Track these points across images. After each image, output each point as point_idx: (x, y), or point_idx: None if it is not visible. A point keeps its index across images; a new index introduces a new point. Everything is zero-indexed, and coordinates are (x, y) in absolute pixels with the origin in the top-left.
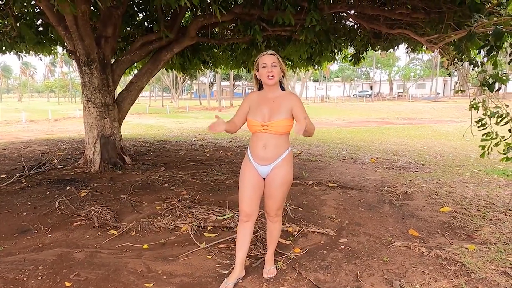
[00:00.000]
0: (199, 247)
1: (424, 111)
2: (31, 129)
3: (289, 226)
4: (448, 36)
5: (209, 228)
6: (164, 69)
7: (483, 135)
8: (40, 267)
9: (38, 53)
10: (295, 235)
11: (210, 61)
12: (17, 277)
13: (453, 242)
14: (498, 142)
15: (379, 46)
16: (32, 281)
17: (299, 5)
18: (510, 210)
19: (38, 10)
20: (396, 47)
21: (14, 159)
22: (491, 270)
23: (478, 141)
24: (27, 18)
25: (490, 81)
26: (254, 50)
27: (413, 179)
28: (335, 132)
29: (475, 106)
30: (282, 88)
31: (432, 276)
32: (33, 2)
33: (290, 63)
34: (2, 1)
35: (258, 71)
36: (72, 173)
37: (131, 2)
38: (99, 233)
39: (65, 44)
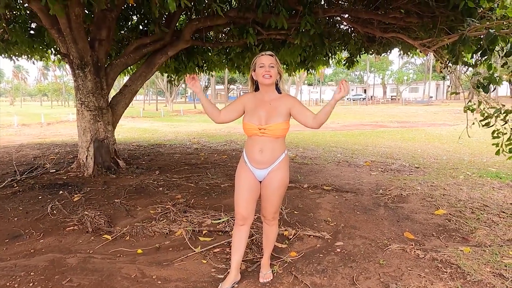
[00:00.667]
0: (194, 251)
1: (418, 114)
2: (23, 133)
3: (285, 230)
4: (441, 40)
5: (204, 232)
6: (159, 72)
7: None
8: (31, 273)
9: (31, 56)
10: (291, 238)
11: (205, 65)
12: (7, 284)
13: (448, 245)
14: (510, 137)
15: (373, 50)
16: None
17: (293, 9)
18: (504, 212)
19: (29, 12)
20: (389, 51)
21: (6, 164)
22: (486, 273)
23: (472, 144)
24: (20, 21)
25: (485, 83)
26: (249, 53)
27: (407, 182)
28: (330, 135)
29: (470, 108)
30: (279, 91)
31: (428, 279)
32: (26, 5)
33: (285, 66)
34: None
35: (254, 71)
36: (65, 177)
37: (125, 6)
38: (92, 238)
39: (58, 47)
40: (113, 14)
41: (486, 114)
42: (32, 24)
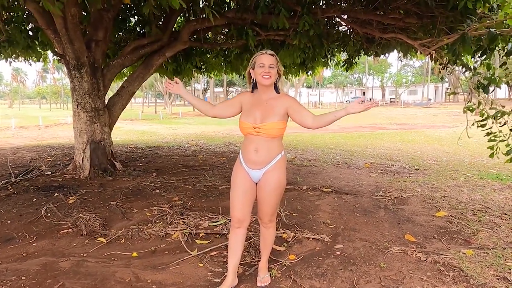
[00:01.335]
0: (191, 254)
1: (417, 116)
2: (20, 136)
3: (284, 232)
4: (441, 40)
5: (201, 235)
6: (158, 74)
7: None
8: (23, 278)
9: (28, 58)
10: (289, 241)
11: (203, 67)
12: None
13: (450, 247)
14: (504, 140)
15: (372, 51)
16: None
17: (292, 9)
18: (506, 214)
19: (27, 13)
20: (388, 53)
21: (1, 166)
22: (490, 276)
23: (472, 145)
24: (16, 22)
25: (485, 83)
26: (247, 55)
27: (407, 184)
28: (329, 137)
29: (470, 108)
30: (277, 91)
31: (431, 282)
32: (22, 6)
33: (283, 68)
34: None
35: (253, 69)
36: (61, 180)
37: (123, 6)
38: (87, 241)
39: (55, 47)
40: (109, 14)
41: (485, 115)
42: (29, 25)
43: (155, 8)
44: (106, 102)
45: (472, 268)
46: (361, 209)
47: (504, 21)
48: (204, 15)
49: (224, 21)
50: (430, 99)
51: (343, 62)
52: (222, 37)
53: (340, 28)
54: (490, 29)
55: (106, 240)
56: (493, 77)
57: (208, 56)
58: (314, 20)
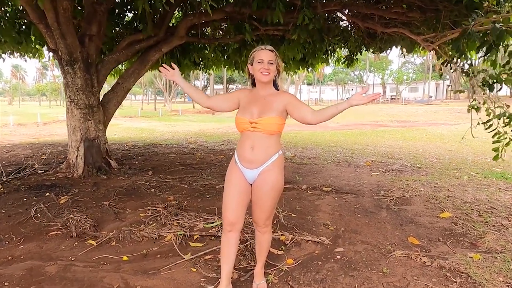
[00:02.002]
0: (184, 258)
1: (418, 114)
2: (18, 133)
3: (281, 234)
4: (444, 35)
5: (195, 237)
6: (158, 71)
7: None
8: (5, 283)
9: (23, 54)
10: (287, 244)
11: (201, 63)
12: None
13: (456, 251)
14: (509, 142)
15: (374, 47)
16: None
17: (291, 3)
18: None
19: (18, 8)
20: (390, 49)
21: None
22: (499, 282)
23: (474, 143)
24: (8, 16)
25: (491, 81)
26: (246, 49)
27: (410, 183)
28: (329, 135)
29: (475, 107)
30: (276, 88)
31: None
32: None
33: (283, 65)
34: None
35: (252, 65)
36: (53, 178)
37: (118, 1)
38: (76, 243)
39: (47, 42)
40: (103, 8)
41: (491, 114)
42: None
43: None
44: (100, 98)
45: (480, 274)
46: (362, 209)
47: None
48: (201, 9)
49: (222, 15)
50: (431, 96)
51: (343, 58)
52: (220, 32)
53: (341, 23)
54: (496, 24)
55: (96, 243)
56: (499, 76)
57: (207, 52)
58: (314, 14)
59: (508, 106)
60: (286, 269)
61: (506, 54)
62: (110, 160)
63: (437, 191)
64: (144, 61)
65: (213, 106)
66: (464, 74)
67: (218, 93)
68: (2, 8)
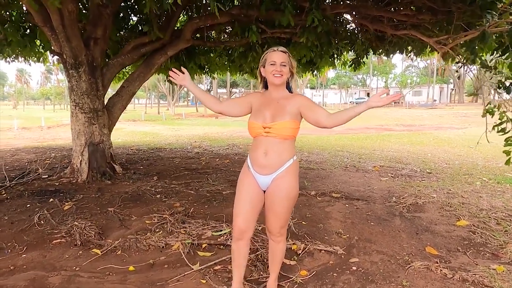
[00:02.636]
0: (192, 269)
1: (423, 117)
2: (22, 137)
3: (293, 243)
4: (458, 36)
5: (204, 245)
6: (161, 75)
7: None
8: None
9: (27, 57)
10: (300, 254)
11: (206, 66)
12: None
13: (477, 262)
14: None
15: (381, 50)
16: None
17: (299, 5)
18: None
19: (23, 11)
20: (399, 51)
21: None
22: None
23: (484, 148)
24: (13, 20)
25: (508, 83)
26: (252, 53)
27: (421, 189)
28: (334, 139)
29: (490, 111)
30: (290, 90)
31: None
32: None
33: (296, 66)
34: None
35: (264, 67)
36: (57, 184)
37: (124, 4)
38: (81, 252)
39: (52, 45)
40: (108, 11)
41: (504, 117)
42: (26, 23)
43: (155, 4)
44: (105, 102)
45: None
46: (374, 217)
47: None
48: (207, 12)
49: (229, 18)
50: (435, 100)
51: (350, 61)
52: (225, 35)
53: (348, 25)
54: None
55: (101, 252)
56: None
57: (212, 55)
58: (323, 17)
59: None
60: (300, 281)
61: None
62: (115, 165)
63: (450, 197)
64: (149, 65)
65: (225, 111)
66: (485, 70)
67: (222, 97)
68: (7, 12)
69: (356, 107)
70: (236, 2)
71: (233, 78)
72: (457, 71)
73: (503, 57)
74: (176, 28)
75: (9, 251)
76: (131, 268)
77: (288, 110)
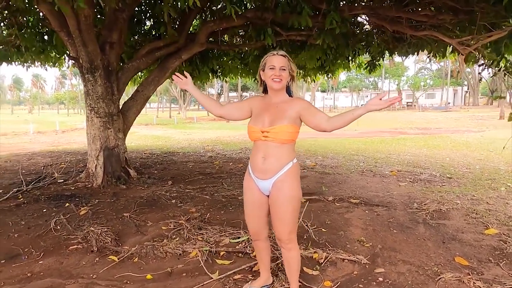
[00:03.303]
0: (212, 278)
1: (438, 120)
2: (37, 141)
3: (314, 252)
4: (483, 37)
5: (222, 253)
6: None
7: None
8: None
9: (44, 63)
10: (322, 263)
11: (219, 70)
12: None
13: None
14: None
15: (398, 51)
16: None
17: (316, 7)
18: None
19: (40, 17)
20: (417, 53)
21: (14, 173)
22: None
23: (504, 151)
24: (31, 26)
25: None
26: None
27: (443, 195)
28: (348, 142)
29: None
30: (290, 95)
31: None
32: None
33: (301, 71)
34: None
35: (263, 71)
36: (73, 188)
37: (138, 9)
38: (97, 259)
39: (68, 50)
40: (124, 15)
41: None
42: (43, 29)
43: (172, 7)
44: (120, 106)
45: None
46: (397, 224)
47: None
48: (222, 15)
49: (244, 21)
50: (449, 103)
51: (365, 64)
52: (239, 39)
53: (364, 27)
54: None
55: (118, 259)
56: None
57: (225, 59)
58: (341, 18)
59: None
60: None
61: None
62: (129, 169)
63: (475, 204)
64: (164, 69)
65: (225, 115)
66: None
67: (232, 101)
68: (24, 17)
69: (355, 110)
70: (249, 6)
71: (243, 82)
72: (479, 73)
73: None
74: (190, 31)
75: (26, 257)
76: (148, 276)
77: (287, 114)
